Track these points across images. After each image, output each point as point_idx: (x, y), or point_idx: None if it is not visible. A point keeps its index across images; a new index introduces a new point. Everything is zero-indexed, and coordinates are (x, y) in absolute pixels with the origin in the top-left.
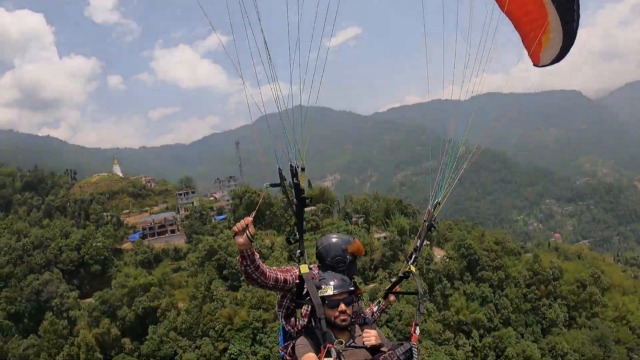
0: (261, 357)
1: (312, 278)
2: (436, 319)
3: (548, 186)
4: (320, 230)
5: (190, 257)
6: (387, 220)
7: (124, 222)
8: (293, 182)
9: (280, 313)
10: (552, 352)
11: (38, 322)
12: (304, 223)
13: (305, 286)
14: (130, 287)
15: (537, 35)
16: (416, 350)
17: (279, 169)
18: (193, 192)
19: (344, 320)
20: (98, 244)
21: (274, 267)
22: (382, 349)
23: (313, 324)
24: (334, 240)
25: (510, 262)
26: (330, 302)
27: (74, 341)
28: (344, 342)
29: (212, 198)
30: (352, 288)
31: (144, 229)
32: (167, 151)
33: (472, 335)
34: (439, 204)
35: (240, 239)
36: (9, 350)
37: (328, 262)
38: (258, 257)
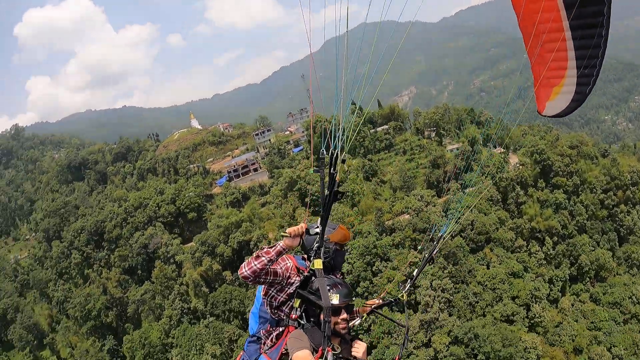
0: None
1: (304, 271)
2: (509, 227)
3: (635, 81)
4: (393, 148)
5: (274, 191)
6: (458, 131)
7: (210, 170)
8: (330, 172)
9: (265, 301)
10: (628, 262)
11: (149, 271)
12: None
13: (313, 283)
14: (224, 226)
15: (550, 84)
16: None
17: (323, 153)
18: (269, 130)
19: (344, 328)
20: (190, 193)
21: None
22: None
23: (308, 321)
24: (317, 229)
25: (586, 167)
26: (333, 310)
27: (182, 281)
28: (339, 349)
29: (287, 132)
30: (354, 297)
31: (228, 172)
32: (240, 94)
33: (545, 242)
34: (443, 238)
35: (292, 242)
36: (129, 297)
37: (313, 252)
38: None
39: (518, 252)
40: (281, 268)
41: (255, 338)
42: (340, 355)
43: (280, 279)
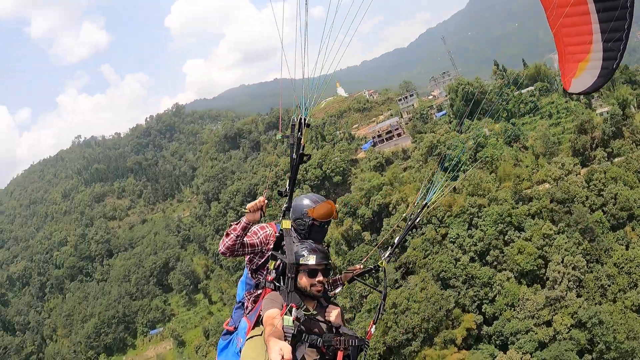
0: (476, 239)
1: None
2: None
3: None
4: (538, 111)
5: (414, 155)
6: (608, 92)
7: (355, 136)
8: (296, 136)
9: (247, 267)
10: None
11: None
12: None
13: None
14: (366, 190)
15: (575, 60)
16: (367, 347)
17: (292, 119)
18: (412, 95)
19: (318, 290)
20: (336, 158)
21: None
22: (340, 330)
23: (282, 282)
24: (299, 201)
25: None
26: (309, 271)
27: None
28: (311, 310)
29: (430, 97)
30: (330, 260)
31: (373, 137)
32: (387, 59)
33: None
34: (427, 206)
35: (253, 216)
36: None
37: (293, 224)
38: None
39: None
40: (259, 237)
41: (240, 304)
42: (313, 317)
43: (259, 248)
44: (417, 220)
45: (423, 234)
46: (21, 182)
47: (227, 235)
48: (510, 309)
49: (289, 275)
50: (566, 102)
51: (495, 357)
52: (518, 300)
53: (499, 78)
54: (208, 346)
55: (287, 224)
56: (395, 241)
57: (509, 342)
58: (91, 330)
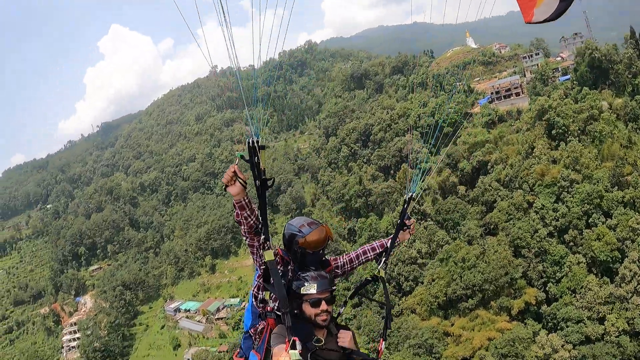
0: (560, 214)
1: (288, 261)
2: None
3: None
4: None
5: (524, 117)
6: None
7: (474, 89)
8: (254, 161)
9: (252, 294)
10: None
11: (396, 171)
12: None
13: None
14: (470, 144)
15: None
16: None
17: (249, 142)
18: (537, 54)
19: (324, 320)
20: (450, 109)
21: None
22: (353, 355)
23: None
24: (289, 229)
25: None
26: (312, 301)
27: None
28: (322, 340)
29: (558, 58)
30: (334, 287)
31: (491, 93)
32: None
33: None
34: (413, 199)
35: (233, 189)
36: (372, 189)
37: (286, 249)
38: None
39: None
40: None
41: (247, 334)
42: (324, 347)
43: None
44: (405, 218)
45: (512, 197)
46: (161, 104)
47: (240, 223)
48: (571, 295)
49: (282, 310)
50: None
51: (537, 335)
52: (581, 288)
53: (631, 47)
54: None
55: (269, 255)
56: (388, 245)
57: (558, 327)
58: (203, 235)
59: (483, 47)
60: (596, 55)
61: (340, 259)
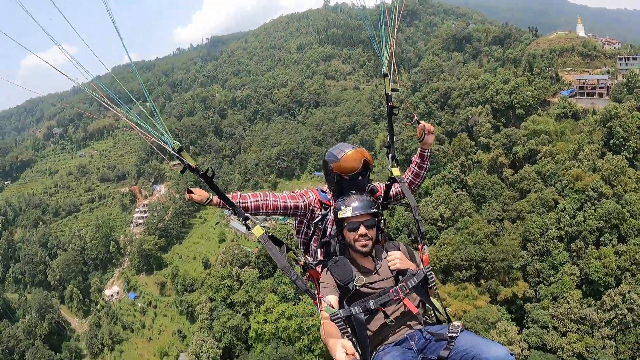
0: (575, 222)
1: (327, 205)
2: None
3: None
4: None
5: (589, 119)
6: None
7: (562, 79)
8: (186, 165)
9: (299, 239)
10: None
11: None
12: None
13: (320, 218)
14: (530, 130)
15: None
16: (431, 276)
17: (187, 165)
18: (634, 59)
19: (364, 245)
20: (528, 92)
21: (282, 194)
22: (404, 275)
23: (329, 255)
24: (326, 157)
25: None
26: (349, 225)
27: (472, 157)
28: (364, 278)
29: None
30: (375, 210)
31: (576, 87)
32: None
33: None
34: (387, 75)
35: (194, 197)
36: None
37: (326, 180)
38: (241, 197)
39: None
40: (304, 201)
41: None
42: (369, 283)
43: (302, 212)
44: (390, 100)
45: (543, 192)
46: (268, 27)
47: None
48: (551, 301)
49: (292, 279)
50: None
51: (499, 321)
52: (562, 298)
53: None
54: None
55: (257, 231)
56: (389, 139)
57: (525, 325)
58: (275, 154)
59: (590, 37)
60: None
61: (399, 184)
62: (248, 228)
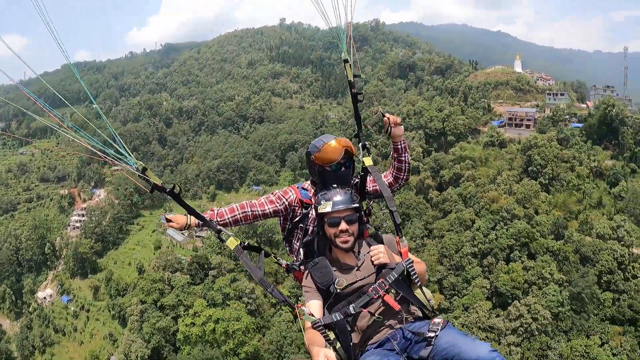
0: (488, 240)
1: (307, 204)
2: None
3: None
4: None
5: (511, 147)
6: None
7: (493, 109)
8: (153, 186)
9: (284, 237)
10: None
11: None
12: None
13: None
14: (457, 156)
15: None
16: (411, 267)
17: (154, 185)
18: (562, 95)
19: (345, 242)
20: (459, 121)
21: (260, 200)
22: (387, 270)
23: (310, 255)
24: (310, 145)
25: None
26: (329, 220)
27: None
28: (345, 281)
29: (584, 105)
30: (356, 205)
31: (506, 118)
32: (623, 59)
33: None
34: (347, 61)
35: (173, 225)
36: None
37: (309, 172)
38: (218, 215)
39: None
40: (283, 204)
41: None
42: (350, 284)
43: (284, 213)
44: (353, 87)
45: (462, 212)
46: (222, 40)
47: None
48: (462, 311)
49: (265, 287)
50: None
51: None
52: (472, 309)
53: None
54: None
55: (231, 243)
56: (356, 125)
57: None
58: (215, 166)
59: (526, 73)
60: (610, 112)
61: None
62: (222, 241)
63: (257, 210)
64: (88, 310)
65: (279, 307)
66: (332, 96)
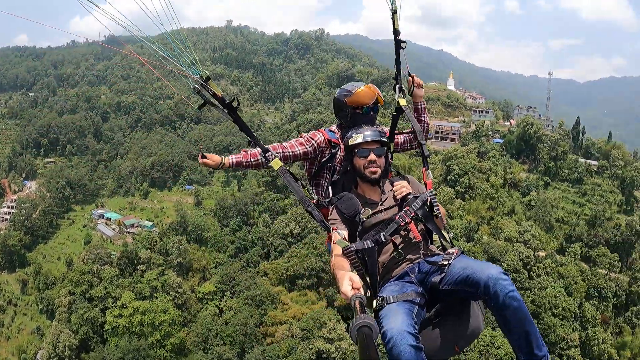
0: None
1: (336, 143)
2: None
3: None
4: (579, 185)
5: (433, 158)
6: None
7: None
8: (211, 96)
9: (310, 181)
10: None
11: None
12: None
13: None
14: None
15: None
16: (434, 198)
17: (195, 88)
18: (487, 112)
19: (373, 172)
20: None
21: (290, 142)
22: (409, 201)
23: (336, 191)
24: (338, 93)
25: None
26: (360, 152)
27: None
28: (370, 210)
29: (507, 123)
30: (384, 139)
31: (433, 132)
32: (556, 85)
33: None
34: (395, 12)
35: (207, 162)
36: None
37: (337, 117)
38: (252, 155)
39: None
40: (311, 146)
41: None
42: (378, 210)
43: (314, 154)
44: (398, 35)
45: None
46: (167, 37)
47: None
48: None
49: (307, 209)
50: (611, 192)
51: (329, 320)
52: None
53: (563, 133)
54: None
55: (276, 164)
56: (395, 67)
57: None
58: (149, 163)
59: (457, 91)
60: (529, 130)
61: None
62: (267, 160)
63: (288, 151)
64: (16, 305)
65: (205, 301)
66: (271, 101)
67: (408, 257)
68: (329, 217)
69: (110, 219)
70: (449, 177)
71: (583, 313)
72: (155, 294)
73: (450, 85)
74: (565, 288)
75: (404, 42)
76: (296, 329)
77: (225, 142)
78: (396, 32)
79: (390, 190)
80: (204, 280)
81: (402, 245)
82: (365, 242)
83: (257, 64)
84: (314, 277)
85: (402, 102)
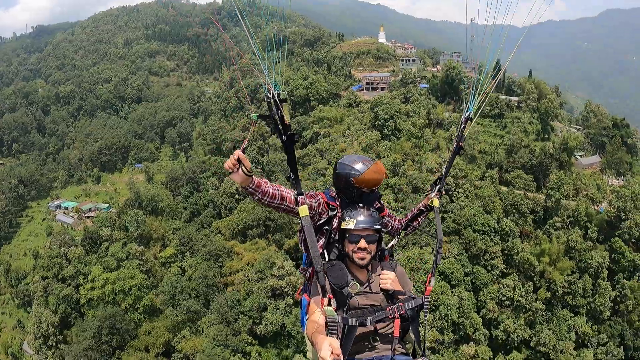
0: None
1: (334, 206)
2: None
3: None
4: (501, 119)
5: (362, 106)
6: None
7: (354, 76)
8: (277, 115)
9: (300, 238)
10: None
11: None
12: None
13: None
14: (317, 117)
15: None
16: (427, 305)
17: (267, 96)
18: (413, 60)
19: (361, 258)
20: (322, 87)
21: (282, 187)
22: (399, 296)
23: (329, 260)
24: (343, 168)
25: None
26: (351, 237)
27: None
28: (359, 285)
29: (434, 69)
30: (378, 226)
31: (364, 83)
32: (495, 30)
33: None
34: (471, 119)
35: (236, 178)
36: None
37: (339, 190)
38: (265, 183)
39: None
40: (316, 201)
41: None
42: (362, 292)
43: (292, 206)
44: (462, 140)
45: (316, 163)
46: (97, 20)
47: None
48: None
49: (317, 270)
50: (530, 123)
51: (277, 259)
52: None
53: (490, 78)
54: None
55: (304, 211)
56: (444, 171)
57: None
58: (97, 149)
59: (387, 44)
60: (450, 73)
61: (393, 220)
62: (297, 203)
63: (311, 202)
64: None
65: (168, 265)
66: (209, 72)
67: (379, 346)
68: (315, 280)
69: (68, 208)
70: (376, 123)
71: (502, 228)
72: (121, 264)
73: (382, 38)
74: (483, 207)
75: (464, 150)
76: (251, 273)
77: (169, 117)
78: (460, 138)
79: (378, 276)
80: (164, 248)
81: (379, 333)
82: (351, 319)
83: (192, 36)
84: (262, 225)
85: (436, 202)
